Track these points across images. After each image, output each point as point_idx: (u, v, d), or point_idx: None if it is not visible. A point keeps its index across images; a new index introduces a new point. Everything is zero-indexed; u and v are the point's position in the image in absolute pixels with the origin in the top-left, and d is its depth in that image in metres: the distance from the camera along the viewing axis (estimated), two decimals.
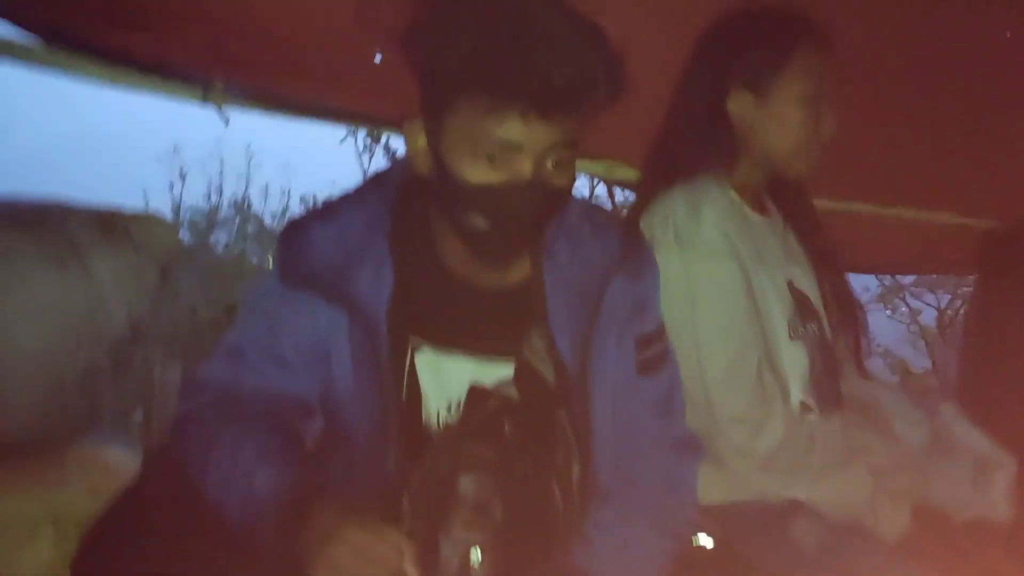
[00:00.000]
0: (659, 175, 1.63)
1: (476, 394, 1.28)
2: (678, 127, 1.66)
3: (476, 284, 1.30)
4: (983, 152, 2.46)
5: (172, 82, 2.18)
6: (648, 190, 1.63)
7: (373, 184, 1.35)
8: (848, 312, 1.74)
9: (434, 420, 1.29)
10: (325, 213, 1.30)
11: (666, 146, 1.67)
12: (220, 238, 8.63)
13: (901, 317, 13.52)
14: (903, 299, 13.31)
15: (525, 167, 1.12)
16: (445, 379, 1.29)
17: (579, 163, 2.52)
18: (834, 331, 1.69)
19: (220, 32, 2.01)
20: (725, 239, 1.53)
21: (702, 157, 1.61)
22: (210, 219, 8.95)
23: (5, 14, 1.87)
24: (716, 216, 1.54)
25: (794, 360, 1.58)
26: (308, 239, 1.27)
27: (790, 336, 1.59)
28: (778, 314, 1.58)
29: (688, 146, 1.63)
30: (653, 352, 1.36)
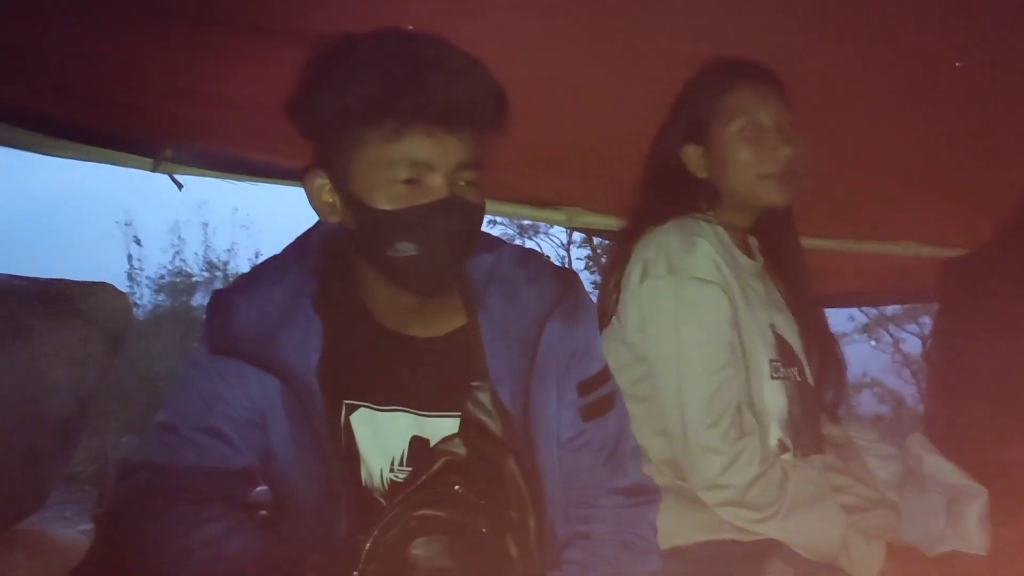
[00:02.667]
0: (648, 214, 1.67)
1: (419, 446, 1.26)
2: (653, 182, 1.73)
3: (409, 335, 1.29)
4: (944, 182, 2.47)
5: (122, 151, 2.17)
6: (637, 228, 1.66)
7: (295, 248, 1.34)
8: (827, 360, 1.74)
9: (377, 479, 1.27)
10: (249, 281, 1.31)
11: (648, 196, 1.72)
12: (198, 299, 8.56)
13: (885, 347, 13.55)
14: (887, 329, 13.36)
15: (440, 184, 1.16)
16: (384, 437, 1.27)
17: (542, 213, 2.61)
18: (815, 377, 1.70)
19: (168, 99, 2.00)
20: (716, 269, 1.55)
21: (685, 201, 1.66)
22: (187, 280, 8.88)
23: None
24: (708, 249, 1.56)
25: (774, 399, 1.58)
26: (233, 308, 1.26)
27: (771, 375, 1.59)
28: (761, 352, 1.58)
29: (667, 194, 1.68)
30: (597, 396, 1.34)
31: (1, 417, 1.49)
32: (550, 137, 2.17)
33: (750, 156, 1.62)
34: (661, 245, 1.56)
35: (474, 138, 1.18)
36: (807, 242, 2.05)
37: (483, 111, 1.16)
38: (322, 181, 1.23)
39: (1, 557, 1.51)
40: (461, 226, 1.19)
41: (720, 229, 1.64)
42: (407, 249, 1.17)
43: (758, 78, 1.65)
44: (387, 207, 1.16)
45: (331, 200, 1.23)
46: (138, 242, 8.21)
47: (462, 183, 1.18)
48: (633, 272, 1.59)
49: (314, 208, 1.26)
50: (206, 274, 8.86)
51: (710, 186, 1.67)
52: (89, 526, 1.64)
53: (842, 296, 3.69)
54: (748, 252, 1.71)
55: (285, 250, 1.34)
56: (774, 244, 1.77)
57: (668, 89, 1.76)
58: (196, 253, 9.01)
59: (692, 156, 1.68)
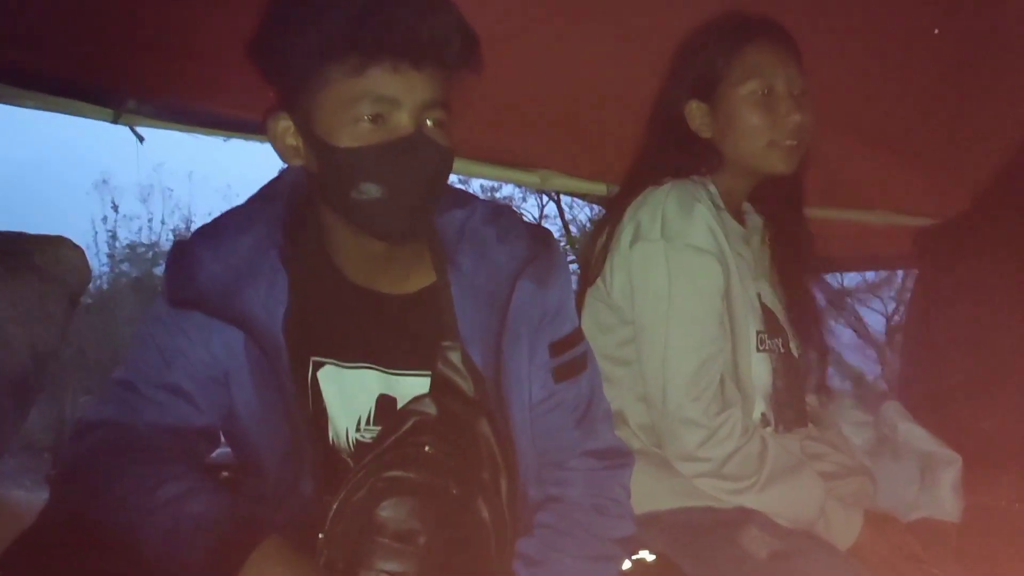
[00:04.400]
0: (645, 173, 1.60)
1: (386, 405, 1.23)
2: (653, 138, 1.66)
3: (377, 291, 1.25)
4: (917, 150, 2.46)
5: (84, 102, 2.11)
6: (633, 187, 1.59)
7: (261, 198, 1.29)
8: (812, 330, 1.70)
9: (343, 439, 1.24)
10: (212, 231, 1.25)
11: (648, 153, 1.66)
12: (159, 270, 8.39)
13: (848, 324, 13.68)
14: (851, 305, 13.47)
15: (405, 122, 1.12)
16: (351, 395, 1.24)
17: (514, 174, 2.57)
18: (800, 349, 1.66)
19: (132, 50, 1.94)
20: (713, 239, 1.50)
21: (684, 162, 1.59)
22: (154, 249, 8.73)
23: None
24: (707, 215, 1.50)
25: (759, 372, 1.56)
26: (195, 259, 1.21)
27: (757, 347, 1.56)
28: (748, 322, 1.55)
29: (668, 153, 1.61)
30: (569, 357, 1.32)
31: None
32: (524, 96, 2.14)
33: (761, 122, 1.54)
34: (658, 207, 1.50)
35: (442, 76, 1.14)
36: None
37: (451, 48, 1.12)
38: (286, 123, 1.18)
39: None
40: (427, 166, 1.15)
41: (715, 192, 1.58)
42: (371, 191, 1.13)
43: (776, 38, 1.57)
44: (351, 145, 1.12)
45: (295, 143, 1.19)
46: (116, 208, 8.03)
47: (430, 122, 1.14)
48: (625, 233, 1.54)
49: (277, 152, 1.21)
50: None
51: (712, 147, 1.61)
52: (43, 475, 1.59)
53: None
54: (738, 217, 1.66)
55: (251, 199, 1.29)
56: (775, 211, 1.71)
57: (651, 48, 1.70)
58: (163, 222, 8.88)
59: (696, 114, 1.60)
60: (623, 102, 1.79)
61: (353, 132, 1.12)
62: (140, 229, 8.76)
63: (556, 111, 2.24)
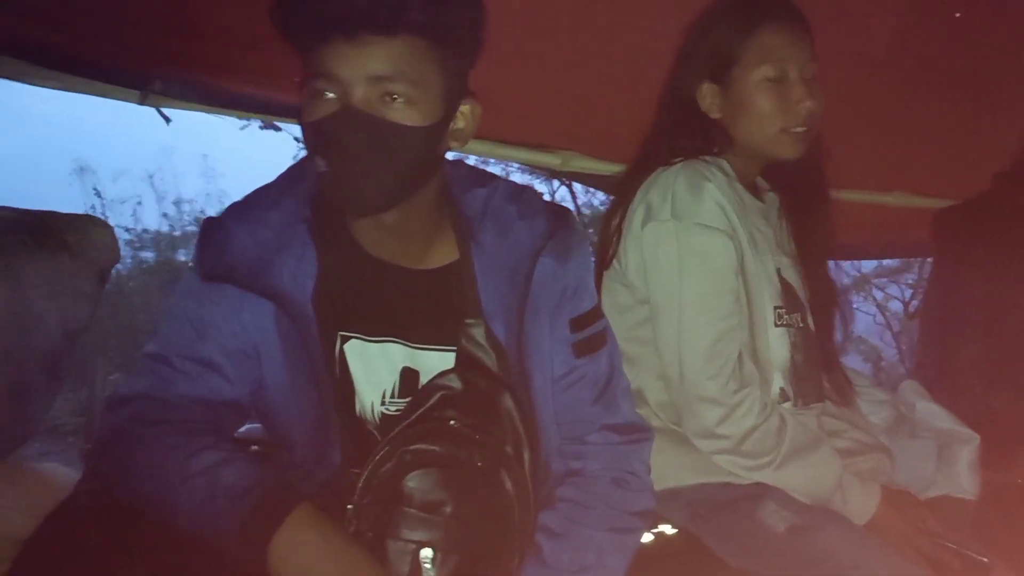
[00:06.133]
0: (656, 153, 1.61)
1: (410, 378, 1.25)
2: (664, 120, 1.65)
3: (400, 266, 1.28)
4: (936, 132, 2.45)
5: (110, 83, 2.13)
6: (644, 168, 1.60)
7: (291, 174, 1.31)
8: (830, 305, 1.71)
9: (369, 412, 1.26)
10: (243, 207, 1.27)
11: (658, 134, 1.66)
12: (182, 255, 8.41)
13: (868, 308, 13.60)
14: (870, 291, 13.40)
15: (346, 98, 1.12)
16: (375, 369, 1.26)
17: (535, 156, 2.56)
18: (817, 324, 1.67)
19: (158, 30, 1.96)
20: (723, 216, 1.50)
21: (694, 143, 1.59)
22: (171, 235, 8.74)
23: None
24: (717, 194, 1.50)
25: (778, 347, 1.56)
26: (227, 233, 1.23)
27: (775, 323, 1.57)
28: (767, 299, 1.56)
29: (678, 134, 1.61)
30: (589, 333, 1.34)
31: None
32: (545, 78, 2.14)
33: (773, 108, 1.54)
34: (667, 187, 1.51)
35: (395, 48, 1.12)
36: None
37: (394, 16, 1.10)
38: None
39: None
40: (359, 140, 1.14)
41: (728, 167, 1.58)
42: (320, 165, 1.17)
43: (790, 19, 1.56)
44: (305, 120, 1.16)
45: None
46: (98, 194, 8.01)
47: (386, 97, 1.13)
48: (636, 213, 1.55)
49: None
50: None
51: (722, 129, 1.61)
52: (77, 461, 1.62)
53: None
54: (755, 192, 1.67)
55: (279, 176, 1.31)
56: (791, 189, 1.71)
57: (669, 29, 1.69)
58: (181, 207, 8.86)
59: (707, 95, 1.60)
60: (643, 83, 1.80)
61: (308, 107, 1.15)
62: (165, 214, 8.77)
63: (577, 92, 2.24)
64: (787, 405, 1.56)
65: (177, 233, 8.68)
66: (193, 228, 8.50)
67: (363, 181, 1.16)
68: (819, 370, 1.66)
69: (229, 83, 2.20)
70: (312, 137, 1.16)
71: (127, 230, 8.11)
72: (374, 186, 1.17)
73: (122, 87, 2.14)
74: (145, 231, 8.47)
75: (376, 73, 1.12)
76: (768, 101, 1.55)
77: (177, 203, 8.94)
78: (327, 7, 1.09)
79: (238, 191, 1.36)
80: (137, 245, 8.28)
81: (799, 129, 1.55)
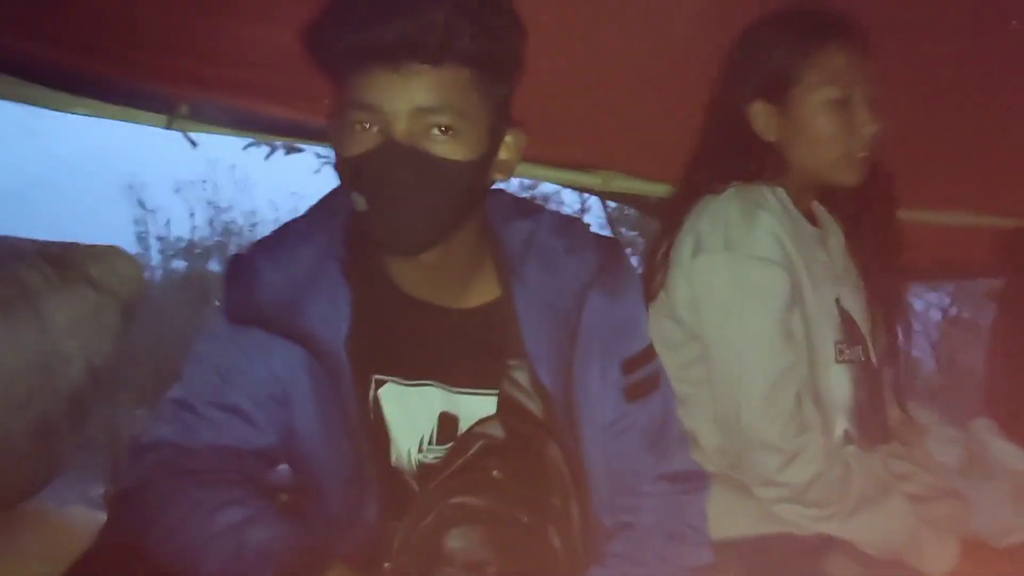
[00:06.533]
0: (704, 179, 1.52)
1: (448, 424, 1.19)
2: (712, 140, 1.57)
3: (438, 306, 1.21)
4: (1002, 148, 2.35)
5: (136, 108, 2.09)
6: (691, 194, 1.52)
7: (321, 208, 1.25)
8: (894, 338, 1.61)
9: (405, 460, 1.19)
10: (272, 243, 1.21)
11: (706, 155, 1.57)
12: (213, 265, 8.43)
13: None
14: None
15: (389, 130, 1.06)
16: (413, 414, 1.19)
17: (575, 177, 2.49)
18: (880, 357, 1.58)
19: (185, 55, 1.92)
20: (779, 247, 1.42)
21: (745, 166, 1.51)
22: (202, 245, 8.76)
23: None
24: (771, 223, 1.43)
25: (840, 386, 1.48)
26: (254, 272, 1.17)
27: (836, 359, 1.48)
28: (826, 333, 1.47)
29: (727, 157, 1.53)
30: (642, 375, 1.26)
31: (11, 389, 1.43)
32: (585, 97, 2.07)
33: (837, 131, 1.46)
34: (718, 216, 1.43)
35: (442, 78, 1.05)
36: None
37: (444, 44, 1.03)
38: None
39: (9, 538, 1.45)
40: (404, 178, 1.07)
41: (783, 194, 1.50)
42: (360, 204, 1.09)
43: (854, 39, 1.48)
44: (344, 154, 1.09)
45: None
46: (142, 205, 8.02)
47: (432, 130, 1.07)
48: (685, 244, 1.46)
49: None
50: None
51: (776, 151, 1.52)
52: (101, 490, 1.56)
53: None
54: (811, 218, 1.58)
55: (310, 210, 1.25)
56: (857, 212, 1.61)
57: (710, 47, 1.61)
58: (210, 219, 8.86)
59: (761, 115, 1.51)
60: (686, 100, 1.71)
61: (348, 140, 1.08)
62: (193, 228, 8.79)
63: (617, 111, 2.16)
64: (851, 448, 1.46)
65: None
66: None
67: (408, 220, 1.10)
68: (884, 408, 1.57)
69: (255, 106, 2.15)
70: (351, 173, 1.09)
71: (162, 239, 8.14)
72: (420, 225, 1.11)
73: (149, 111, 2.10)
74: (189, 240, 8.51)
75: (422, 105, 1.05)
76: (832, 124, 1.46)
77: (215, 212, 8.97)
78: (373, 35, 1.02)
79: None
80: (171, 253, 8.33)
81: (862, 154, 1.47)
